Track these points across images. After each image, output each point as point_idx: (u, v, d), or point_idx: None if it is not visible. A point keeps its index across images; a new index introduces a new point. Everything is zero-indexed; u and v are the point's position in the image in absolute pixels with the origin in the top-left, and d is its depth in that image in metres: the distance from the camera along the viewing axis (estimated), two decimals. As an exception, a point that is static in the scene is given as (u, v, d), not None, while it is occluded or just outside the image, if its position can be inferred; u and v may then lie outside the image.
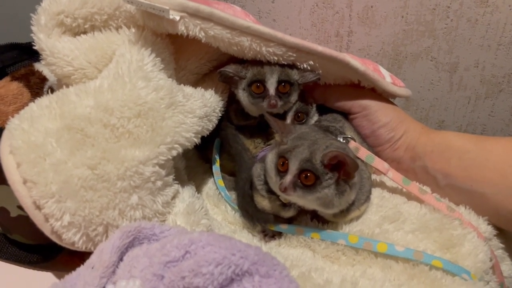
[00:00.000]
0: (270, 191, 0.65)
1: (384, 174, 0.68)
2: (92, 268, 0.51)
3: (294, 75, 0.70)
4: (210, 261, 0.44)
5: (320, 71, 0.70)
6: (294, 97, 0.72)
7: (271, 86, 0.69)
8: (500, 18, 0.89)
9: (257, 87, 0.70)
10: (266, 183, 0.65)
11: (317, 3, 1.00)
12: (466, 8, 0.91)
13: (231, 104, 0.77)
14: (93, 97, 0.59)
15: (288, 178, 0.58)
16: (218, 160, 0.80)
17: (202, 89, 0.71)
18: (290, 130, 0.63)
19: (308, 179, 0.57)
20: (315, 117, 0.77)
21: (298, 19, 1.04)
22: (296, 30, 1.06)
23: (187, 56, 0.73)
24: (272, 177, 0.62)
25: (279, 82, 0.69)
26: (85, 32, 0.67)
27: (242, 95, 0.72)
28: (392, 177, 0.68)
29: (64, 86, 0.64)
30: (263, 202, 0.68)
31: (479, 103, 1.01)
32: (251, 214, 0.70)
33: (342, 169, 0.57)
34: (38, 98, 0.82)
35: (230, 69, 0.70)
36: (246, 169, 0.72)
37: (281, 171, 0.60)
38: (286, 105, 0.72)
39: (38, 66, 0.88)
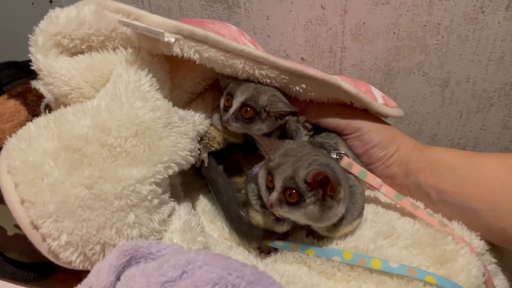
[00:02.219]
0: (264, 206, 0.66)
1: (377, 190, 0.69)
2: (90, 288, 0.51)
3: (262, 101, 0.68)
4: (207, 281, 0.44)
5: (297, 109, 0.69)
6: (259, 126, 0.70)
7: (235, 104, 0.68)
8: (490, 34, 0.91)
9: (227, 100, 0.70)
10: (260, 198, 0.66)
11: (311, 19, 1.01)
12: (457, 25, 0.92)
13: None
14: (90, 117, 0.60)
15: (274, 195, 0.59)
16: None
17: (193, 112, 0.73)
18: (278, 146, 0.64)
19: (291, 197, 0.58)
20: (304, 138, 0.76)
21: (292, 36, 1.05)
22: (290, 46, 1.07)
23: (182, 75, 0.74)
24: (263, 192, 0.63)
25: (243, 105, 0.68)
26: (82, 52, 0.68)
27: (221, 103, 0.72)
28: (385, 192, 0.69)
29: (61, 105, 0.65)
30: (257, 218, 0.68)
31: (470, 117, 1.03)
32: (245, 233, 0.71)
33: (328, 185, 0.58)
34: (35, 115, 0.84)
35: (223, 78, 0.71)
36: (224, 191, 0.74)
37: (270, 187, 0.61)
38: (248, 129, 0.70)
39: (35, 84, 0.89)
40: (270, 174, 0.61)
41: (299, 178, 0.58)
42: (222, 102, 0.72)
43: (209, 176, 0.76)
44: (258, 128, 0.70)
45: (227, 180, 0.76)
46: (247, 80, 0.70)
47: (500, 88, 0.96)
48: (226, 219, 0.74)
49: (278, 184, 0.59)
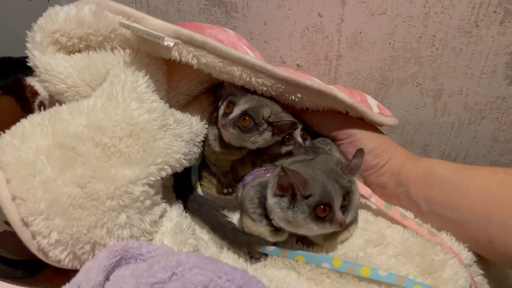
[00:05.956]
0: (263, 215, 0.66)
1: (367, 199, 0.70)
2: (78, 287, 0.51)
3: (265, 113, 0.70)
4: (196, 284, 0.44)
5: (297, 121, 0.71)
6: (255, 138, 0.71)
7: (236, 111, 0.70)
8: (483, 48, 0.93)
9: (228, 106, 0.71)
10: (259, 207, 0.66)
11: (308, 27, 1.02)
12: (451, 38, 0.94)
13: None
14: (86, 116, 0.60)
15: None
16: (198, 184, 0.81)
17: (189, 115, 0.73)
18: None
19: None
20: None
21: (289, 42, 1.06)
22: (286, 52, 1.08)
23: (179, 77, 0.74)
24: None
25: (243, 113, 0.69)
26: (79, 51, 0.68)
27: (221, 109, 0.73)
28: (375, 202, 0.70)
29: (56, 103, 0.65)
30: (253, 227, 0.68)
31: (462, 129, 1.04)
32: (232, 239, 0.71)
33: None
34: (28, 112, 0.83)
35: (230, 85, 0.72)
36: (196, 203, 0.76)
37: None
38: (243, 139, 0.71)
39: (30, 80, 0.88)
40: None
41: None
42: (222, 109, 0.72)
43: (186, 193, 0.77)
44: (254, 140, 0.70)
45: (201, 199, 0.77)
46: (253, 93, 0.71)
47: (492, 101, 0.98)
48: (214, 234, 0.74)
49: None
